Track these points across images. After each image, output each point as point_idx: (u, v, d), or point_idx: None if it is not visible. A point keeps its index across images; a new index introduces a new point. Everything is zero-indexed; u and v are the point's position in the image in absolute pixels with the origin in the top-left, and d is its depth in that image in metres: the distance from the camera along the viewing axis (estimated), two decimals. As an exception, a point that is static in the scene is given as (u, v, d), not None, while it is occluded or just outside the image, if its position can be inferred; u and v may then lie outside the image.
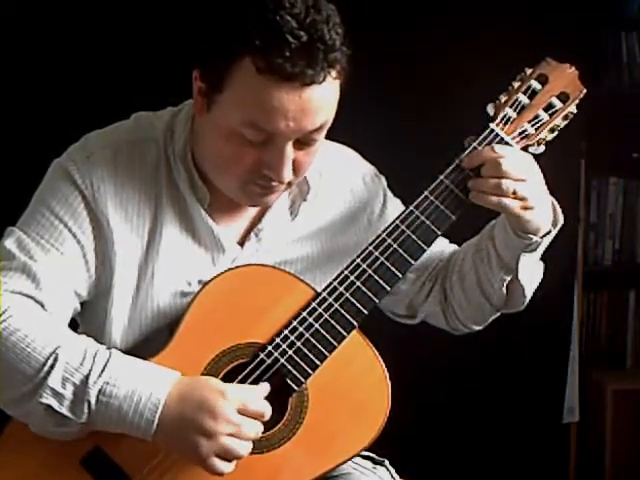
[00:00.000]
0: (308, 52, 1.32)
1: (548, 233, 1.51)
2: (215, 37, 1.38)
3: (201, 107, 1.43)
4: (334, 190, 1.61)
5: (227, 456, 1.36)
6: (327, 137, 1.47)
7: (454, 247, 1.71)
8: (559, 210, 1.54)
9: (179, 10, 2.28)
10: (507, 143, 1.51)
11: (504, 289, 1.58)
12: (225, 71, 1.36)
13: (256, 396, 1.39)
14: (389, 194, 1.68)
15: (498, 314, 1.66)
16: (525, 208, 1.46)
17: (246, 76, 1.34)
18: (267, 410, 1.39)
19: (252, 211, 1.56)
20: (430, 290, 1.68)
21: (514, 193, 1.45)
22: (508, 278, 1.57)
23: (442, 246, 1.69)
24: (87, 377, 1.35)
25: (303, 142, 1.41)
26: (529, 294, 1.60)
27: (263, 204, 1.52)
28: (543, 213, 1.50)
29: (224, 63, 1.36)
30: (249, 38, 1.32)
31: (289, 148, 1.40)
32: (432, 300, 1.67)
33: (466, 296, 1.63)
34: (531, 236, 1.50)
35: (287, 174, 1.41)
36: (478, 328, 1.69)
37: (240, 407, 1.36)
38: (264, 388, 1.41)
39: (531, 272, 1.57)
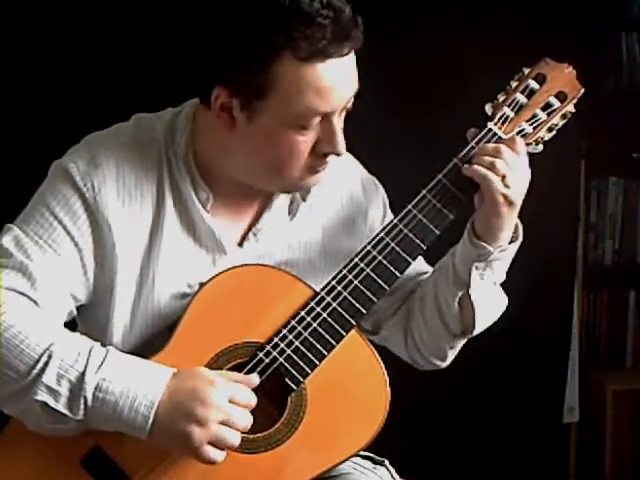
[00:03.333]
0: (340, 26, 1.36)
1: (504, 249, 1.51)
2: (248, 46, 1.37)
3: (230, 123, 1.43)
4: (333, 193, 1.61)
5: (219, 444, 1.36)
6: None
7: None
8: (520, 230, 1.54)
9: (179, 10, 2.28)
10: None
11: (456, 306, 1.56)
12: (266, 75, 1.37)
13: (244, 387, 1.40)
14: (387, 205, 1.68)
15: (457, 347, 1.63)
16: (505, 198, 1.46)
17: (290, 70, 1.36)
18: (253, 399, 1.39)
19: (251, 212, 1.56)
20: (397, 309, 1.66)
21: (503, 178, 1.46)
22: (460, 294, 1.55)
23: (420, 269, 1.67)
24: (83, 374, 1.35)
25: (342, 110, 1.45)
26: (481, 321, 1.57)
27: (314, 184, 1.52)
28: (510, 220, 1.50)
29: (264, 67, 1.37)
30: (286, 34, 1.35)
31: (338, 119, 1.44)
32: (396, 319, 1.65)
33: (424, 317, 1.61)
34: (484, 244, 1.50)
35: (343, 144, 1.45)
36: (439, 363, 1.65)
37: (230, 396, 1.37)
38: (253, 378, 1.42)
39: (487, 297, 1.56)
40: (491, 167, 1.46)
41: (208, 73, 1.42)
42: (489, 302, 1.58)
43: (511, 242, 1.53)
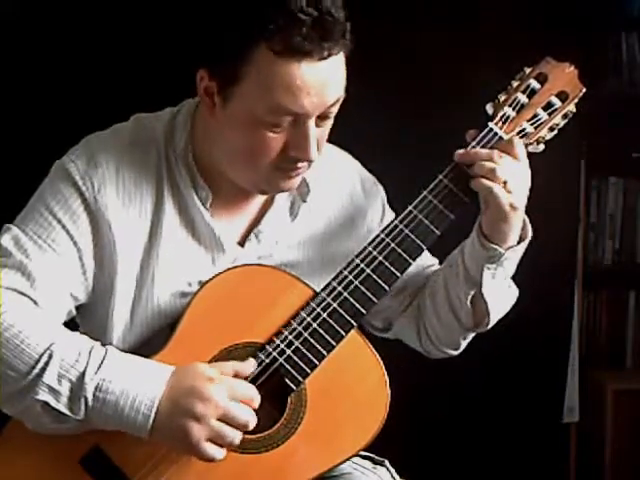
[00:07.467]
0: (321, 26, 1.34)
1: (513, 247, 1.51)
2: (225, 30, 1.38)
3: (211, 107, 1.43)
4: (332, 193, 1.61)
5: (218, 440, 1.36)
6: (327, 139, 1.48)
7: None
8: (529, 227, 1.54)
9: (178, 10, 2.28)
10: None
11: (469, 304, 1.56)
12: (240, 61, 1.37)
13: (245, 383, 1.40)
14: (387, 205, 1.68)
15: (470, 337, 1.64)
16: (510, 205, 1.46)
17: (264, 62, 1.36)
18: (255, 395, 1.39)
19: (252, 211, 1.56)
20: (408, 305, 1.67)
21: (505, 184, 1.45)
22: (472, 292, 1.55)
23: (425, 263, 1.67)
24: (83, 373, 1.35)
25: (322, 117, 1.42)
26: (494, 316, 1.58)
27: (287, 189, 1.51)
28: (517, 222, 1.50)
29: (238, 53, 1.37)
30: (262, 24, 1.34)
31: (313, 125, 1.41)
32: (407, 315, 1.66)
33: (436, 313, 1.62)
34: (495, 247, 1.49)
35: (315, 151, 1.42)
36: (452, 352, 1.67)
37: (229, 392, 1.37)
38: (248, 365, 1.42)
39: (498, 292, 1.56)
40: (491, 174, 1.46)
41: (192, 55, 1.42)
42: (501, 297, 1.58)
43: (521, 240, 1.53)
